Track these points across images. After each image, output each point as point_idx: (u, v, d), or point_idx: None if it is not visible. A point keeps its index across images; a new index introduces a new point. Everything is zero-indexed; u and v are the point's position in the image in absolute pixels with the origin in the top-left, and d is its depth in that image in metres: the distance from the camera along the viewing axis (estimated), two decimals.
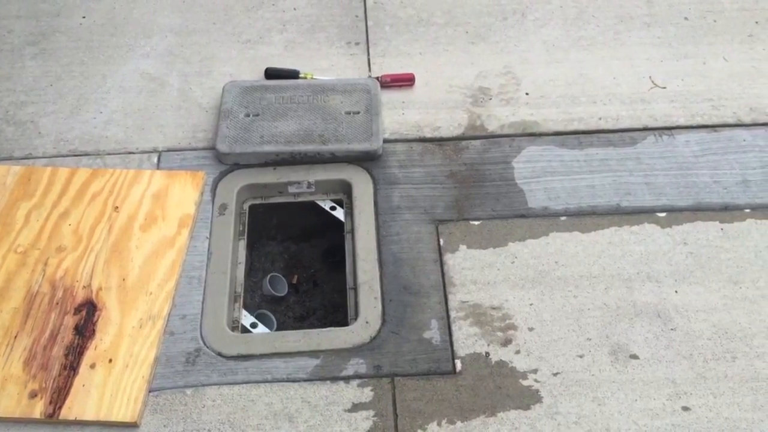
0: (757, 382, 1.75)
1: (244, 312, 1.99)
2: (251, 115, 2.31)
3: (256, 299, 2.26)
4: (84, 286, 1.92)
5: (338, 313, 2.18)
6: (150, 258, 1.99)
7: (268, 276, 2.26)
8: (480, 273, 1.97)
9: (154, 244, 2.02)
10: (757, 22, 2.65)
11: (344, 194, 2.23)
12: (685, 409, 1.71)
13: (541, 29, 2.67)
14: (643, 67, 2.52)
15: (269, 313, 2.16)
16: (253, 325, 1.97)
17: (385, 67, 2.54)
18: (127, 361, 1.79)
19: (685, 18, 2.68)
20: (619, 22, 2.68)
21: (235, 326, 1.95)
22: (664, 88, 2.46)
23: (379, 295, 1.94)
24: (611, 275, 1.96)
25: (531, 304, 1.91)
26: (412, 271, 1.99)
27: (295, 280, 2.37)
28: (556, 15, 2.71)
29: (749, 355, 1.80)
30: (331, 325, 2.01)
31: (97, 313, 1.87)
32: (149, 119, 2.38)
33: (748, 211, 2.11)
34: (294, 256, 2.43)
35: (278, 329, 2.13)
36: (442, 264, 2.00)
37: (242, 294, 2.03)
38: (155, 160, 2.26)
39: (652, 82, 2.48)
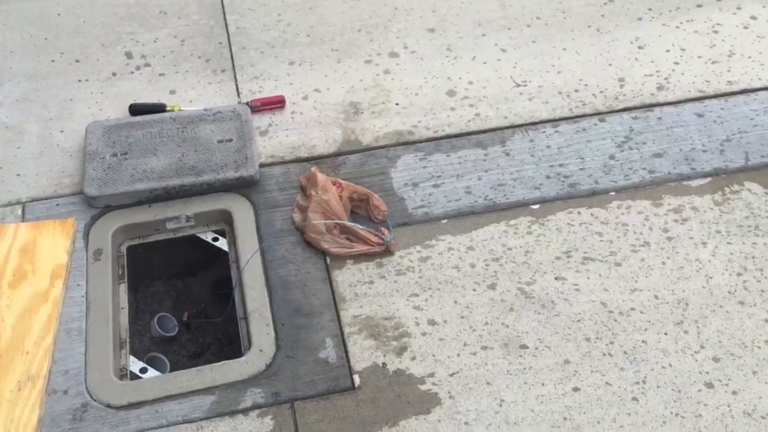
0: (638, 354, 1.85)
1: (132, 358, 1.91)
2: (119, 155, 2.24)
3: (145, 342, 2.18)
4: None
5: (234, 345, 2.13)
6: (23, 316, 1.88)
7: (156, 317, 2.19)
8: (369, 286, 1.99)
9: (26, 300, 1.91)
10: (602, 15, 2.82)
11: (226, 224, 2.19)
12: (576, 389, 1.78)
13: (405, 40, 2.73)
14: (504, 68, 2.62)
15: (161, 356, 2.08)
16: (143, 371, 1.89)
17: (254, 92, 2.52)
18: (8, 428, 1.68)
19: (538, 18, 2.81)
20: (478, 27, 2.78)
21: (124, 374, 1.87)
22: (525, 85, 2.57)
23: (270, 321, 1.91)
24: (495, 270, 2.02)
25: (422, 310, 1.94)
26: (302, 292, 1.97)
27: (185, 318, 2.30)
28: (417, 25, 2.78)
29: (628, 330, 1.90)
30: (227, 358, 1.96)
31: None
32: (8, 170, 2.26)
33: (613, 193, 2.23)
34: (182, 293, 2.37)
35: (172, 370, 2.06)
36: (330, 282, 2.00)
37: (128, 340, 1.95)
38: (19, 212, 2.14)
39: (514, 81, 2.58)
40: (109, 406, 1.75)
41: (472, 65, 2.63)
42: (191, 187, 2.17)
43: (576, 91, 2.54)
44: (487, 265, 2.04)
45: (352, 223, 2.07)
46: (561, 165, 2.31)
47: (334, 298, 1.96)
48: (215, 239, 2.18)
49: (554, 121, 2.44)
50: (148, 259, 2.25)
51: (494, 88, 2.55)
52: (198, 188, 2.18)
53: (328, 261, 2.04)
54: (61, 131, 2.39)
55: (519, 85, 2.57)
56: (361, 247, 2.04)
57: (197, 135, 2.30)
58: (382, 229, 2.08)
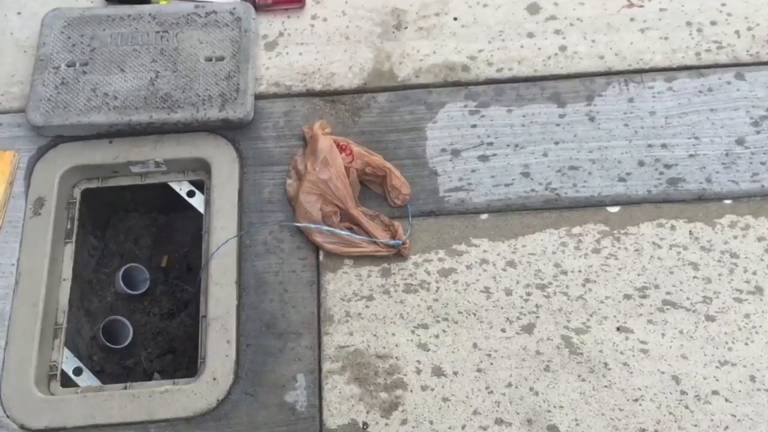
0: None
1: (67, 353, 1.56)
2: (77, 65, 1.73)
3: (108, 299, 1.82)
4: None
5: None
6: None
7: (123, 268, 1.80)
8: (366, 303, 1.52)
9: None
10: None
11: (205, 173, 1.71)
12: None
13: None
14: None
15: (123, 320, 1.74)
16: (77, 372, 1.55)
17: None
18: None
19: None
20: None
21: (53, 374, 1.52)
22: (642, 6, 1.83)
23: (233, 336, 1.50)
24: (536, 305, 1.51)
25: (429, 350, 1.47)
26: (280, 300, 1.53)
27: (164, 263, 1.91)
28: None
29: (702, 426, 1.39)
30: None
31: None
32: None
33: (728, 202, 1.60)
34: (164, 229, 1.96)
35: (138, 334, 1.74)
36: (319, 288, 1.54)
37: (65, 326, 1.58)
38: None
39: None
40: (23, 427, 1.42)
41: None
42: (162, 125, 1.67)
43: (713, 23, 1.80)
44: (529, 293, 1.52)
45: (356, 216, 1.55)
46: (663, 146, 1.66)
47: (319, 314, 1.51)
48: (191, 193, 1.72)
49: (670, 71, 1.75)
50: (118, 195, 1.82)
51: (596, 6, 1.83)
52: (171, 127, 1.68)
53: (321, 257, 1.56)
54: (19, 13, 1.87)
55: (632, 5, 1.83)
56: (365, 248, 1.54)
57: (180, 46, 1.74)
58: (396, 224, 1.56)
